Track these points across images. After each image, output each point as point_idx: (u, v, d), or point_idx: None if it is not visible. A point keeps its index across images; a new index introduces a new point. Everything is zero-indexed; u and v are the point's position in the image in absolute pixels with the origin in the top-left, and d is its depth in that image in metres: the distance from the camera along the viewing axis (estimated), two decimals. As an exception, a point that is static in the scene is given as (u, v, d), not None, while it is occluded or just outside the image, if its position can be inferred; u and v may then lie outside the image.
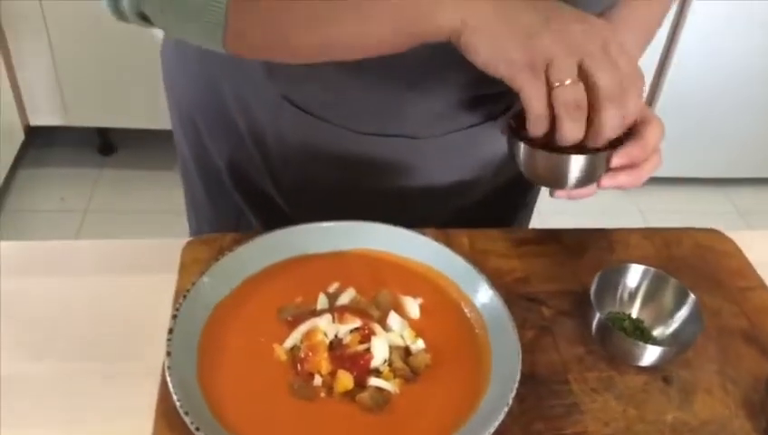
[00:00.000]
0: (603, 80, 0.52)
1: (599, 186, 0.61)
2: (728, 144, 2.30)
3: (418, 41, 0.55)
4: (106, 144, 2.31)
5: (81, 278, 0.70)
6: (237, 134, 0.79)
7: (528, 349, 0.64)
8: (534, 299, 0.70)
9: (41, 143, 2.28)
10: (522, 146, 0.60)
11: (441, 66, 0.64)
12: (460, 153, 0.77)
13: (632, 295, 0.68)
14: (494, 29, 0.52)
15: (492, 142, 0.77)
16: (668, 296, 0.66)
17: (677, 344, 0.63)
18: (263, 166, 0.80)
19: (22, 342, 0.63)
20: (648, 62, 2.07)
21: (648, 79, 2.14)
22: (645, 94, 0.57)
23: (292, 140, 0.76)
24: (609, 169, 0.59)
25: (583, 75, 0.52)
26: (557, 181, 0.61)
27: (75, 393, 0.59)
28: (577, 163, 0.58)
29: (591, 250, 0.77)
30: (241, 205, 0.86)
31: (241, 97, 0.76)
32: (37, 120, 2.15)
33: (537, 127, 0.54)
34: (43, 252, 0.73)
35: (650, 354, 0.62)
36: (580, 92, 0.52)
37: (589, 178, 0.60)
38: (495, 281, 0.65)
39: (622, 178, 0.60)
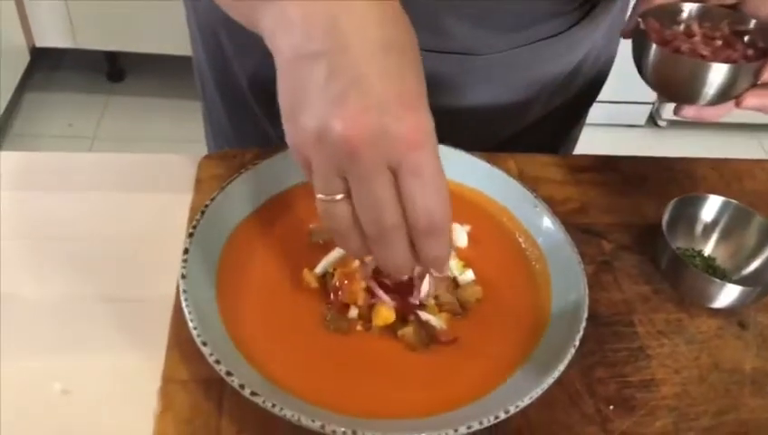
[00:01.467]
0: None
1: (738, 105, 0.52)
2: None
3: None
4: (115, 69, 2.22)
5: (87, 193, 0.62)
6: (263, 46, 0.71)
7: (588, 286, 0.57)
8: (592, 231, 0.62)
9: (47, 66, 2.19)
10: (654, 49, 0.52)
11: None
12: (519, 71, 0.68)
13: (707, 230, 0.60)
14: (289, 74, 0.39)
15: (555, 59, 0.68)
16: (750, 233, 0.58)
17: (759, 286, 0.55)
18: None
19: (21, 262, 0.56)
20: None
21: None
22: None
23: None
24: (754, 85, 0.51)
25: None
26: (691, 94, 0.53)
27: (77, 320, 0.52)
28: (718, 72, 0.50)
29: (653, 180, 0.69)
30: (266, 126, 0.78)
31: None
32: (43, 41, 2.05)
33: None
34: (44, 164, 0.65)
35: (728, 294, 0.54)
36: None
37: (727, 93, 0.52)
38: (549, 211, 0.57)
39: None
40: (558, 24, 0.66)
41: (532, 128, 0.77)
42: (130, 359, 0.50)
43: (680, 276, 0.56)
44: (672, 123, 2.40)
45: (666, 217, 0.57)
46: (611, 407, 0.50)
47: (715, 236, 0.60)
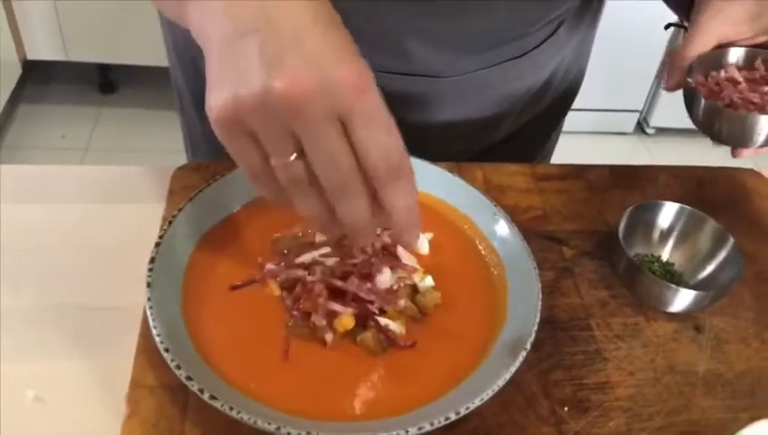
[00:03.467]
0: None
1: None
2: None
3: None
4: (106, 82, 2.24)
5: (64, 205, 0.64)
6: None
7: (547, 291, 0.58)
8: (554, 238, 0.64)
9: (40, 79, 2.21)
10: (705, 104, 0.57)
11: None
12: (488, 90, 0.70)
13: (664, 236, 0.62)
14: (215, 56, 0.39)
15: (523, 77, 0.70)
16: (704, 238, 0.60)
17: (712, 290, 0.57)
18: None
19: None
20: None
21: None
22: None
23: None
24: None
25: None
26: (745, 140, 0.58)
27: (52, 327, 0.54)
28: (765, 122, 0.55)
29: (617, 188, 0.70)
30: None
31: None
32: (35, 54, 2.08)
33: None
34: (26, 176, 0.67)
35: (683, 299, 0.56)
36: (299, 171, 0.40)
37: None
38: (512, 218, 0.59)
39: None
40: (523, 44, 0.68)
41: (506, 142, 0.79)
42: (103, 366, 0.52)
43: (637, 282, 0.58)
44: (660, 131, 2.42)
45: (623, 224, 0.59)
46: (566, 408, 0.51)
47: (671, 242, 0.62)
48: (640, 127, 2.45)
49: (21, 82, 2.11)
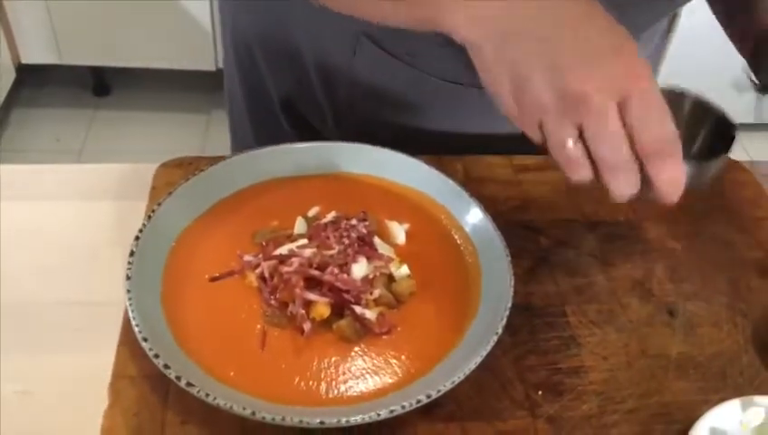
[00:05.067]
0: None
1: None
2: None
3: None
4: (100, 85, 2.25)
5: (47, 203, 0.65)
6: (302, 68, 0.75)
7: (523, 279, 0.59)
8: (531, 228, 0.65)
9: (34, 82, 2.22)
10: None
11: None
12: None
13: None
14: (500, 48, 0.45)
15: None
16: (687, 115, 0.56)
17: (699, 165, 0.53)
18: (326, 103, 0.75)
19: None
20: None
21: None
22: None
23: (364, 79, 0.71)
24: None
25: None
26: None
27: (37, 322, 0.55)
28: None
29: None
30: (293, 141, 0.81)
31: (312, 31, 0.71)
32: (29, 58, 2.09)
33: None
34: (8, 175, 0.68)
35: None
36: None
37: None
38: (491, 209, 0.60)
39: None
40: None
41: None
42: (87, 359, 0.53)
43: None
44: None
45: None
46: (540, 392, 0.52)
47: None
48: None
49: (15, 86, 2.12)
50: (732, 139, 0.53)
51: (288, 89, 0.78)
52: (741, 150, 2.35)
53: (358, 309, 0.51)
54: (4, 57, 2.04)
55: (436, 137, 0.75)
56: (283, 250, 0.54)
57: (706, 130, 0.56)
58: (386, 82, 0.71)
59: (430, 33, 0.48)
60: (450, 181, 0.60)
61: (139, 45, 2.03)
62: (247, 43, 0.79)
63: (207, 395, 0.43)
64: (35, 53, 2.08)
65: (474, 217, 0.58)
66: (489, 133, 0.73)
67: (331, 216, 0.58)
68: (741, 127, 0.55)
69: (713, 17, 0.73)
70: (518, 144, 0.74)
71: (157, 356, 0.45)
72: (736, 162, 0.75)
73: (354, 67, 0.70)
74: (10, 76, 2.08)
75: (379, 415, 0.44)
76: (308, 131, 0.80)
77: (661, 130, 0.44)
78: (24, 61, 2.09)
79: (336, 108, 0.76)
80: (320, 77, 0.74)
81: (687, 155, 0.53)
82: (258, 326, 0.51)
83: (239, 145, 0.91)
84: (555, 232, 0.65)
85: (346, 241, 0.54)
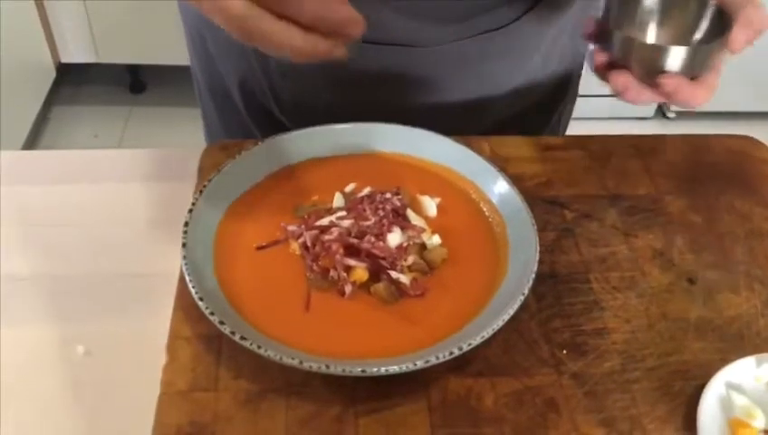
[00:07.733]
0: None
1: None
2: None
3: None
4: (136, 82, 2.32)
5: (105, 184, 0.70)
6: (245, 53, 0.77)
7: (549, 250, 0.63)
8: (556, 202, 0.68)
9: (73, 81, 2.30)
10: (616, 36, 0.57)
11: None
12: (467, 67, 0.73)
13: (648, 17, 0.62)
14: None
15: (505, 54, 0.73)
16: (687, 14, 0.60)
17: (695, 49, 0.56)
18: (264, 81, 0.78)
19: (50, 246, 0.64)
20: None
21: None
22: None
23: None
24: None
25: None
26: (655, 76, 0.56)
27: (98, 292, 0.60)
28: (677, 55, 0.54)
29: (617, 156, 0.74)
30: (252, 127, 0.84)
31: None
32: (68, 57, 2.17)
33: None
34: (58, 161, 0.74)
35: (676, 57, 0.55)
36: None
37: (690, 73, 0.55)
38: (517, 185, 0.63)
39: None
40: (500, 15, 0.70)
41: (510, 121, 0.82)
42: (144, 324, 0.57)
43: (631, 55, 0.57)
44: (681, 114, 2.43)
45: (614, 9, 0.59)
46: (565, 351, 0.56)
47: (654, 22, 0.62)
48: (661, 111, 2.47)
49: (55, 85, 2.20)
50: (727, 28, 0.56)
51: (242, 74, 0.79)
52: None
53: (393, 274, 0.55)
54: (45, 57, 2.11)
55: (390, 110, 0.70)
56: (324, 221, 0.58)
57: (706, 22, 0.59)
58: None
59: None
60: (478, 157, 0.64)
61: (172, 44, 2.09)
62: (198, 29, 0.81)
63: (259, 347, 0.48)
64: (74, 53, 2.16)
65: (501, 189, 0.62)
66: (445, 101, 0.74)
67: (366, 190, 0.62)
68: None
69: None
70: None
71: (212, 314, 0.50)
72: (754, 140, 0.78)
73: None
74: (50, 75, 2.16)
75: (415, 365, 0.48)
76: (261, 115, 0.81)
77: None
78: (63, 60, 2.17)
79: (271, 84, 0.76)
80: (255, 56, 0.75)
81: (687, 42, 0.58)
82: (302, 290, 0.55)
83: (210, 132, 0.92)
84: (579, 206, 0.68)
85: (381, 213, 0.58)
